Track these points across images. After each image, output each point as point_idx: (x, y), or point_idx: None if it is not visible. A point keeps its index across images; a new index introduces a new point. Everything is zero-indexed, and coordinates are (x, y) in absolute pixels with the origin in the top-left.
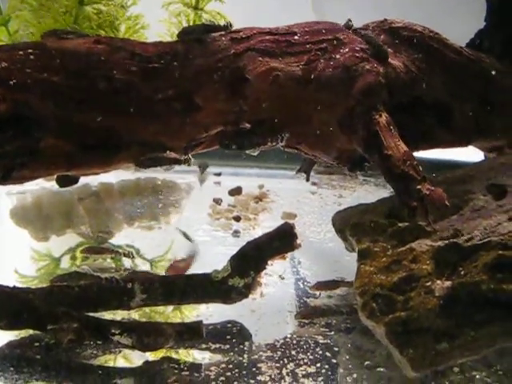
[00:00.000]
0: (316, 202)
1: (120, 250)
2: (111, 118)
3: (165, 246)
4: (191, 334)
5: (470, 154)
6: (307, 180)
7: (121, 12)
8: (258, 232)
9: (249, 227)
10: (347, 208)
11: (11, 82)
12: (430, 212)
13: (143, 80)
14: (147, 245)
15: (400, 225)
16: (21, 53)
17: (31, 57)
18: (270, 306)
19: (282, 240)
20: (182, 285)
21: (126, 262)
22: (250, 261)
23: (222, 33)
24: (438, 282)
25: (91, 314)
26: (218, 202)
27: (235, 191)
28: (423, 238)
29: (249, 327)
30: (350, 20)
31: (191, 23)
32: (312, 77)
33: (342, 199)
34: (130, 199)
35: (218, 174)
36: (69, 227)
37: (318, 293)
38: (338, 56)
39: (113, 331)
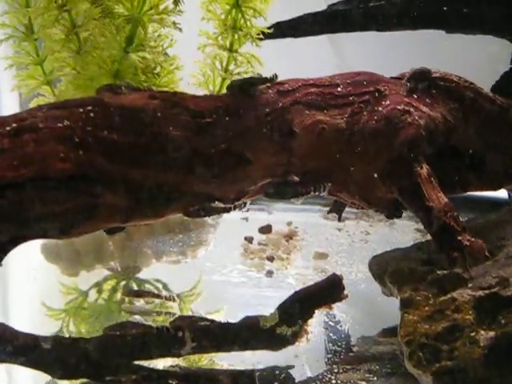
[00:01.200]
0: (343, 239)
1: (161, 294)
2: (166, 173)
3: (192, 280)
4: (245, 382)
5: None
6: (339, 220)
7: (165, 60)
8: (290, 272)
9: (281, 267)
10: (383, 253)
11: (74, 141)
12: (469, 262)
13: (197, 135)
14: (174, 279)
15: (439, 272)
16: (81, 110)
17: (91, 114)
18: (313, 351)
19: (330, 291)
20: (232, 333)
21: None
22: (298, 310)
23: (268, 85)
24: (482, 332)
25: (144, 363)
26: (250, 240)
27: (265, 229)
28: (462, 286)
29: (292, 372)
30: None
31: (224, 64)
32: (355, 129)
33: (369, 236)
34: (159, 235)
35: (246, 210)
36: (98, 263)
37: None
38: (380, 108)
39: (170, 382)
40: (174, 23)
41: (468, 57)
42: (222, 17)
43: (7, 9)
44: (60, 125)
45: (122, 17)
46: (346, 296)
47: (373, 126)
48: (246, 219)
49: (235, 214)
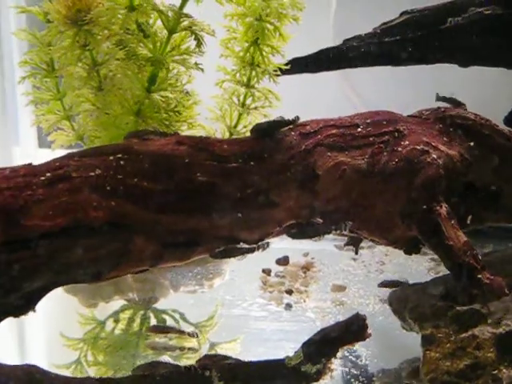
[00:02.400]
0: (359, 269)
1: (185, 330)
2: (194, 218)
3: (208, 310)
4: None
5: None
6: (356, 253)
7: (185, 98)
8: (309, 305)
9: (300, 300)
10: (402, 288)
11: (106, 189)
12: (489, 298)
13: (223, 180)
14: (191, 309)
15: (458, 308)
16: (111, 158)
17: (121, 162)
18: None
19: (354, 330)
20: (257, 371)
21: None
22: (322, 348)
23: (291, 127)
24: (504, 370)
25: None
26: (268, 273)
27: (283, 261)
28: (482, 322)
29: None
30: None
31: (241, 99)
32: (376, 169)
33: (385, 266)
34: (176, 267)
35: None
36: (116, 294)
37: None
38: (399, 149)
39: None
40: (196, 64)
41: (481, 84)
42: (241, 54)
43: (30, 48)
44: (92, 174)
45: (145, 58)
46: (370, 335)
47: (393, 166)
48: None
49: None
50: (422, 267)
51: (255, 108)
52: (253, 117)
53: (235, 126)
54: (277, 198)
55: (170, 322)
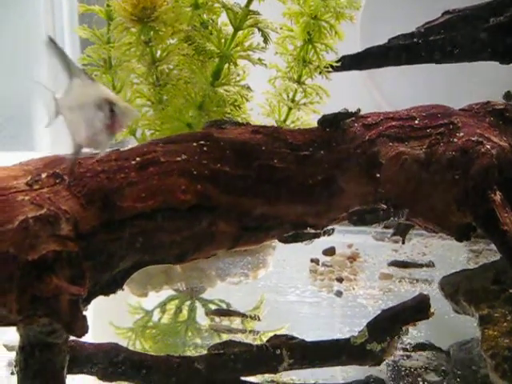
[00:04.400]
0: (402, 260)
1: (247, 313)
2: (271, 202)
3: (253, 300)
4: None
5: None
6: (403, 243)
7: (246, 92)
8: (359, 292)
9: (349, 288)
10: (453, 273)
11: (192, 174)
12: None
13: (297, 167)
14: (237, 300)
15: (511, 291)
16: (194, 144)
17: (204, 148)
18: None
19: (418, 309)
20: (325, 350)
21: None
22: (387, 327)
23: (353, 119)
24: None
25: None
26: (317, 262)
27: (329, 251)
28: None
29: None
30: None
31: (291, 95)
32: (433, 159)
33: (426, 257)
34: (223, 257)
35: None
36: (166, 284)
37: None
38: (455, 140)
39: None
40: (260, 59)
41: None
42: (295, 52)
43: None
44: (179, 158)
45: (214, 54)
46: (433, 314)
47: (449, 156)
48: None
49: None
50: (461, 258)
51: (304, 104)
52: (302, 112)
53: (284, 121)
54: (344, 184)
55: None
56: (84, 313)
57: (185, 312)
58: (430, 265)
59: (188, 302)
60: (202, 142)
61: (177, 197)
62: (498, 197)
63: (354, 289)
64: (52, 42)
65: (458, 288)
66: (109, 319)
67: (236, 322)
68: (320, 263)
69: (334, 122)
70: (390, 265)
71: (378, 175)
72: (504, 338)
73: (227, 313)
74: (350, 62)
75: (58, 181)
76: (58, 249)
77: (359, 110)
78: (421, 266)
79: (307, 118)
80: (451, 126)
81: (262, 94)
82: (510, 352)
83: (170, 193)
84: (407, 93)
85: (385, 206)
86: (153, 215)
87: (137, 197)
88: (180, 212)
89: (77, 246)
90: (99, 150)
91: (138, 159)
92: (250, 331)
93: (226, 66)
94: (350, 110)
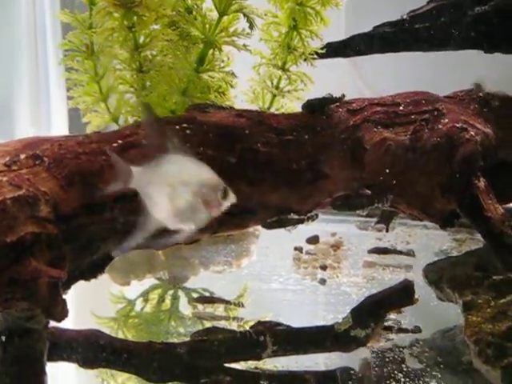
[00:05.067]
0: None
1: (230, 300)
2: (255, 187)
3: (237, 289)
4: (328, 381)
5: None
6: (387, 231)
7: (230, 79)
8: (343, 280)
9: (333, 275)
10: (437, 261)
11: None
12: None
13: (281, 151)
14: (220, 288)
15: (495, 278)
16: (177, 127)
17: (187, 131)
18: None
19: (402, 295)
20: (309, 337)
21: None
22: (371, 313)
23: (338, 104)
24: None
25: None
26: (300, 250)
27: (313, 240)
28: None
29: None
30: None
31: (275, 82)
32: (418, 145)
33: (410, 246)
34: (206, 246)
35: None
36: (149, 272)
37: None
38: (439, 126)
39: (262, 382)
40: (245, 45)
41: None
42: (280, 38)
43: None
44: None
45: (198, 39)
46: (417, 300)
47: (434, 142)
48: (290, 230)
49: None
50: (444, 247)
51: (288, 91)
52: (286, 99)
53: (268, 108)
54: (329, 169)
55: None
56: (64, 297)
57: (168, 301)
58: (410, 253)
59: (171, 291)
60: (184, 125)
61: None
62: (482, 183)
63: (337, 277)
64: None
65: (442, 275)
66: (91, 309)
67: (219, 310)
68: (303, 251)
69: (318, 107)
70: (371, 252)
71: (363, 161)
72: (487, 324)
73: (210, 300)
74: (334, 49)
75: (37, 162)
76: (37, 231)
77: (344, 95)
78: (401, 253)
79: (291, 105)
80: (436, 113)
81: (247, 81)
82: (493, 337)
83: None
84: (391, 81)
85: (369, 192)
86: (134, 197)
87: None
88: None
89: (56, 229)
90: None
91: (119, 141)
92: (234, 318)
93: (211, 51)
94: (334, 96)
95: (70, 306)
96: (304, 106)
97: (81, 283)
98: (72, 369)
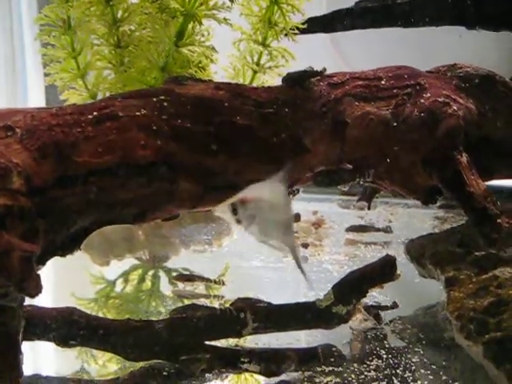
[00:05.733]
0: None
1: (211, 278)
2: (234, 161)
3: (218, 268)
4: (310, 358)
5: None
6: (368, 208)
7: (211, 53)
8: (324, 258)
9: (314, 253)
10: (419, 237)
11: (152, 129)
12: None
13: (260, 125)
14: (201, 268)
15: (476, 254)
16: (154, 99)
17: (164, 103)
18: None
19: (384, 271)
20: (290, 314)
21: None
22: (353, 290)
23: (319, 77)
24: None
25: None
26: None
27: (294, 218)
28: (501, 265)
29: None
30: None
31: (256, 59)
32: (400, 120)
33: (392, 224)
34: (186, 225)
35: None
36: (129, 252)
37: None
38: (422, 100)
39: (242, 360)
40: (226, 19)
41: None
42: (260, 12)
43: (40, 7)
44: (138, 113)
45: (178, 12)
46: (399, 275)
47: (416, 117)
48: None
49: None
50: (426, 225)
51: (269, 67)
52: (267, 76)
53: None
54: (309, 143)
55: None
56: (38, 272)
57: (148, 281)
58: (388, 230)
59: (151, 271)
60: (162, 98)
61: (136, 152)
62: (464, 158)
63: (319, 254)
64: None
65: (424, 251)
66: (70, 290)
67: (200, 288)
68: None
69: (299, 80)
70: (349, 230)
71: (344, 135)
72: (469, 300)
73: (190, 278)
74: (316, 25)
75: (9, 133)
76: (9, 203)
77: (325, 69)
78: (378, 230)
79: (272, 82)
80: (418, 87)
81: (227, 58)
82: (475, 313)
83: (128, 148)
84: (370, 58)
85: (350, 167)
86: (110, 171)
87: (93, 152)
88: (139, 168)
89: (29, 202)
90: None
91: (94, 113)
92: (215, 296)
93: (191, 25)
94: (315, 69)
95: (49, 289)
96: (284, 79)
97: (60, 265)
98: (51, 351)
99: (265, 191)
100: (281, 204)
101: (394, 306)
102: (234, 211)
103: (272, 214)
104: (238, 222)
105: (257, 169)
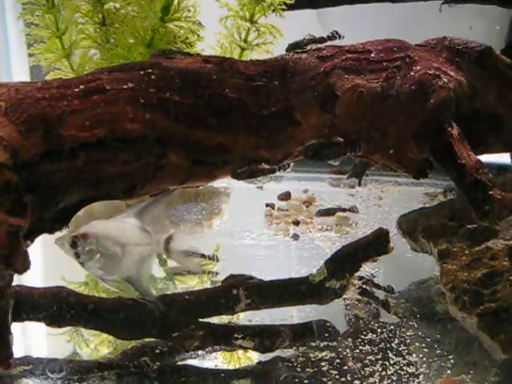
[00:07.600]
0: (358, 204)
1: (205, 254)
2: (223, 134)
3: (209, 248)
4: (305, 333)
5: None
6: (359, 185)
7: (197, 29)
8: (316, 235)
9: (306, 231)
10: (411, 212)
11: (140, 102)
12: (500, 214)
13: (250, 97)
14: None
15: (469, 226)
16: (142, 73)
17: (152, 77)
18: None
19: (377, 244)
20: (283, 289)
21: None
22: (346, 264)
23: (308, 48)
24: None
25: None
26: (272, 206)
27: (285, 196)
28: (493, 237)
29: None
30: None
31: (243, 36)
32: (390, 93)
33: (382, 201)
34: (175, 205)
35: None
36: None
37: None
38: (412, 73)
39: (236, 336)
40: None
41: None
42: None
43: None
44: (125, 86)
45: None
46: (392, 248)
47: (406, 89)
48: (261, 188)
49: (248, 185)
50: (416, 201)
51: (257, 44)
52: (255, 53)
53: None
54: (300, 116)
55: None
56: (26, 249)
57: None
58: (354, 209)
59: None
60: (149, 71)
61: (124, 126)
62: (455, 131)
63: (310, 232)
64: None
65: (416, 226)
66: (60, 274)
67: (194, 262)
68: (275, 208)
69: (299, 46)
70: (317, 215)
71: (334, 108)
72: (463, 272)
73: (185, 254)
74: (304, 1)
75: None
76: None
77: (323, 38)
78: (345, 210)
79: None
80: (408, 60)
81: (214, 35)
82: (468, 285)
83: (116, 122)
84: (357, 33)
85: (341, 140)
86: (98, 145)
87: (81, 125)
88: (127, 142)
89: (16, 176)
90: None
91: (81, 87)
92: (208, 272)
93: (176, 0)
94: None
95: (39, 273)
96: (289, 48)
97: (49, 248)
98: (43, 335)
99: (112, 228)
100: (130, 242)
101: (390, 290)
102: (74, 244)
103: (118, 252)
104: (77, 255)
105: (246, 142)
